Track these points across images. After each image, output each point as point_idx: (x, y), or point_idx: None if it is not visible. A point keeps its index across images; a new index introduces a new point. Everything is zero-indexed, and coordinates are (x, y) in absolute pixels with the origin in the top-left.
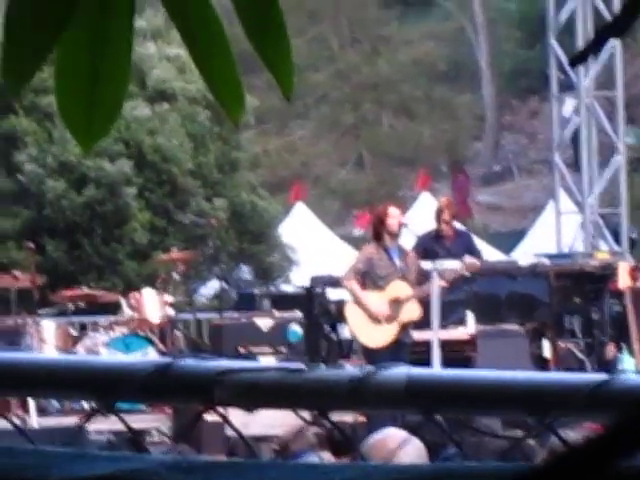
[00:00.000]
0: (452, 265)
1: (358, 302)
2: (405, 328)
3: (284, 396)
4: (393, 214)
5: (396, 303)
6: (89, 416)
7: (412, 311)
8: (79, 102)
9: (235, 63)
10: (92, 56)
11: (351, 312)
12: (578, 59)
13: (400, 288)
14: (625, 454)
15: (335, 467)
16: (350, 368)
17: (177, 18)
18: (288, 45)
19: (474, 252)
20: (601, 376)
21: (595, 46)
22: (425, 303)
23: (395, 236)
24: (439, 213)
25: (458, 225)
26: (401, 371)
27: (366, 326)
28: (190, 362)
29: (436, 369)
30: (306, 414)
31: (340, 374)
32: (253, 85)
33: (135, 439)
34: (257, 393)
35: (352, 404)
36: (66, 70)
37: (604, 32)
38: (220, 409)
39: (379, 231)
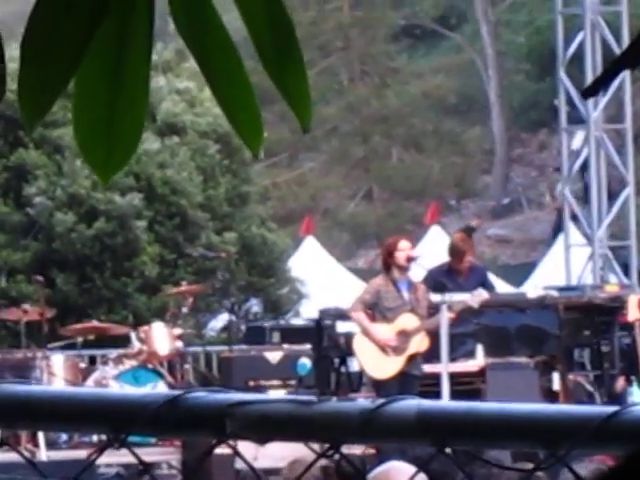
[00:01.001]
0: (461, 298)
1: (366, 333)
2: (413, 360)
3: (295, 428)
4: (402, 247)
5: (404, 335)
6: (102, 449)
7: (420, 343)
8: (97, 134)
9: (254, 93)
10: (110, 87)
11: (359, 343)
12: (590, 91)
13: (408, 320)
14: None
15: None
16: (361, 400)
17: (195, 49)
18: (306, 77)
19: (488, 287)
20: (611, 408)
21: (607, 78)
22: (435, 336)
23: (404, 269)
24: (455, 250)
25: (473, 259)
26: (411, 403)
27: (374, 357)
28: (201, 394)
29: (446, 401)
30: (317, 446)
31: (351, 406)
32: (263, 118)
33: (146, 472)
34: (268, 425)
35: (363, 436)
36: (84, 102)
37: (616, 64)
38: (231, 442)
39: (388, 263)
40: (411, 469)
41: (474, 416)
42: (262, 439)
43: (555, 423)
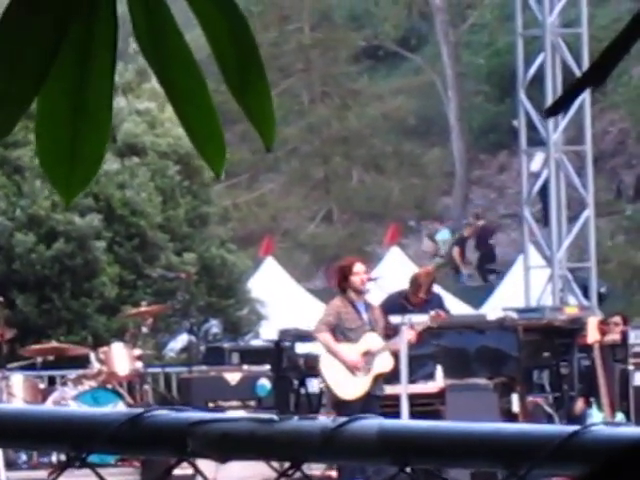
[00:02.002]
0: (420, 319)
1: (333, 354)
2: (377, 380)
3: (257, 447)
4: (357, 271)
5: (369, 355)
6: (63, 467)
7: (385, 363)
8: (60, 153)
9: (217, 114)
10: (73, 107)
11: (326, 363)
12: (552, 111)
13: (373, 340)
14: None
15: None
16: (322, 419)
17: (158, 69)
18: (269, 96)
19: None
20: (571, 428)
21: (569, 97)
22: (395, 357)
23: (360, 292)
24: (416, 284)
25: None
26: (373, 422)
27: (342, 378)
28: (162, 413)
29: (408, 420)
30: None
31: (312, 425)
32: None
33: None
34: (229, 444)
35: (325, 455)
36: (47, 121)
37: (578, 83)
38: (192, 460)
39: (343, 286)
40: None
41: (435, 435)
42: (223, 458)
43: (516, 442)
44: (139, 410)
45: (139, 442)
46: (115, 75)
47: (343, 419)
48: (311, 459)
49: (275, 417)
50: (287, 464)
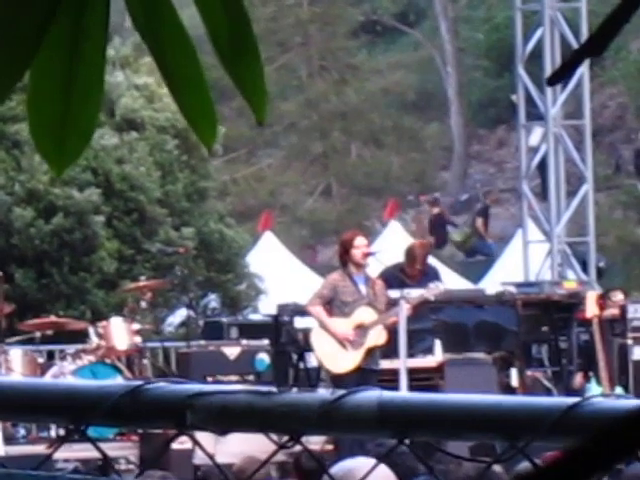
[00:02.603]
0: (418, 292)
1: (324, 327)
2: (371, 354)
3: (255, 419)
4: (358, 244)
5: (362, 329)
6: (63, 439)
7: (378, 337)
8: (52, 125)
9: (208, 88)
10: (65, 79)
11: (317, 337)
12: (554, 79)
13: (366, 314)
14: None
15: None
16: (321, 392)
17: (151, 43)
18: (262, 71)
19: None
20: (571, 399)
21: (571, 66)
22: (393, 332)
23: (360, 265)
24: (411, 255)
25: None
26: (372, 395)
27: (332, 351)
28: (161, 385)
29: (407, 393)
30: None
31: (311, 397)
32: (221, 114)
33: (105, 466)
34: (228, 416)
35: (323, 428)
36: (39, 93)
37: (580, 52)
38: (191, 433)
39: (345, 259)
40: (381, 466)
41: (435, 408)
42: (222, 430)
43: (516, 415)
44: (138, 382)
45: (139, 414)
46: (111, 49)
47: (342, 392)
48: (310, 432)
49: (274, 390)
50: (286, 437)
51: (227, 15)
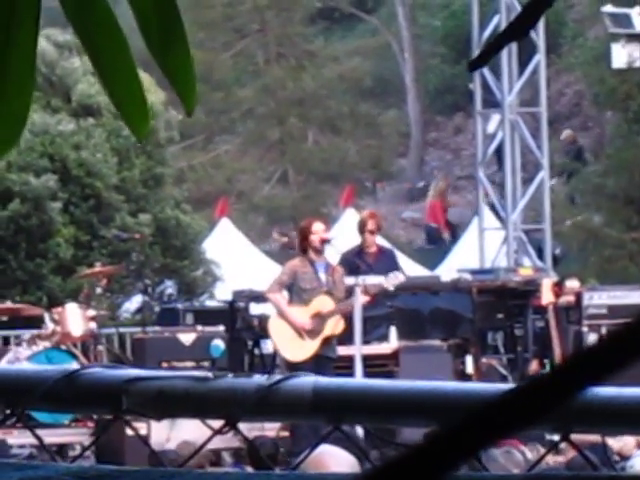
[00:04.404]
0: (375, 280)
1: (282, 315)
2: (328, 342)
3: (192, 405)
4: (316, 230)
5: (320, 317)
6: (1, 422)
7: (335, 326)
8: None
9: (140, 80)
10: None
11: (274, 325)
12: (476, 63)
13: (324, 302)
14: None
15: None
16: (257, 377)
17: (82, 34)
18: (190, 60)
19: (397, 270)
20: (510, 385)
21: (493, 50)
22: (349, 318)
23: (319, 251)
24: (362, 225)
25: (383, 242)
26: (308, 380)
27: (289, 340)
28: (97, 370)
29: (342, 379)
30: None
31: (247, 383)
32: (178, 100)
33: (47, 450)
34: (165, 401)
35: (259, 413)
36: None
37: (502, 36)
38: (126, 417)
39: (304, 246)
40: (344, 453)
41: (370, 393)
42: (159, 415)
43: (451, 400)
44: (75, 367)
45: (74, 399)
46: (67, 35)
47: (278, 377)
48: (246, 417)
49: (210, 375)
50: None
51: (156, 5)
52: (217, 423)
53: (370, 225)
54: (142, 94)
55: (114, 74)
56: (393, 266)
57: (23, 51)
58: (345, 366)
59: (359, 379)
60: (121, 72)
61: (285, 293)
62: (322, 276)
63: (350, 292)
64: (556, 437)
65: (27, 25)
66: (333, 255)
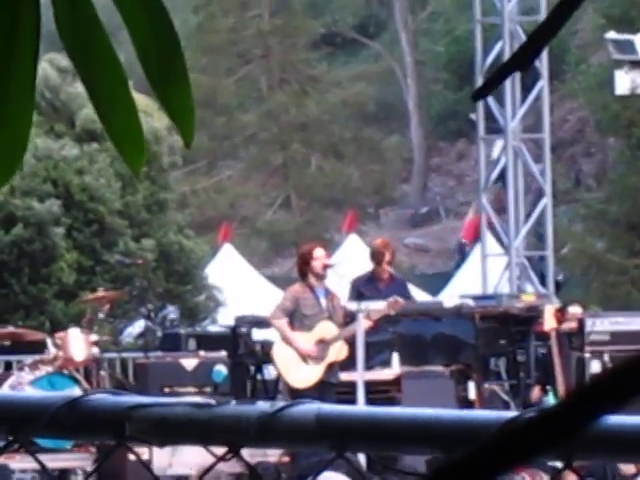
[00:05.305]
0: (377, 306)
1: (286, 341)
2: (332, 368)
3: (194, 431)
4: (317, 255)
5: (323, 343)
6: (2, 450)
7: (339, 351)
8: None
9: (137, 113)
10: None
11: (279, 351)
12: (480, 93)
13: (327, 328)
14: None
15: None
16: (261, 404)
17: (80, 66)
18: (190, 93)
19: (408, 299)
20: (510, 414)
21: (497, 80)
22: (351, 344)
23: (320, 277)
24: (377, 254)
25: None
26: (311, 407)
27: (294, 366)
28: (101, 397)
29: (346, 406)
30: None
31: (250, 410)
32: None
33: (50, 475)
34: (168, 428)
35: (262, 440)
36: None
37: (506, 66)
38: (130, 444)
39: (304, 271)
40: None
41: (373, 420)
42: (161, 442)
43: (454, 428)
44: (78, 394)
45: (77, 426)
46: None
47: (282, 404)
48: (249, 444)
49: (213, 402)
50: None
51: (156, 37)
52: (220, 449)
53: (386, 256)
54: (139, 126)
55: (111, 106)
56: (405, 295)
57: (23, 77)
58: (347, 392)
59: (362, 406)
60: (118, 104)
61: (287, 319)
62: (323, 302)
63: (352, 318)
64: (559, 464)
65: (27, 51)
66: (336, 281)
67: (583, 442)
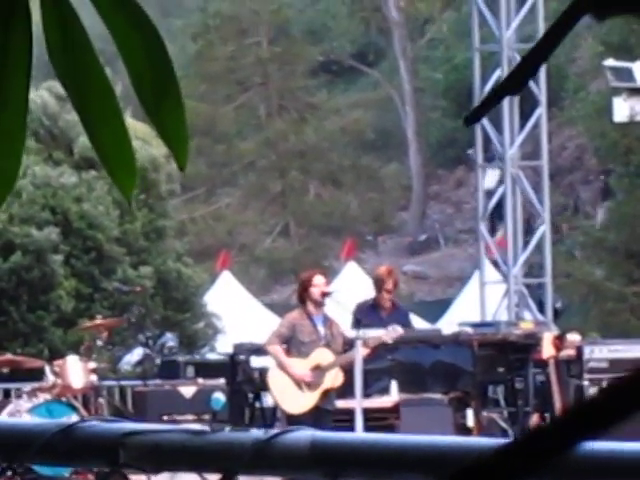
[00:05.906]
0: (376, 333)
1: (281, 367)
2: (327, 395)
3: (189, 458)
4: (317, 283)
5: (319, 370)
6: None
7: (335, 378)
8: None
9: (130, 139)
10: None
11: (274, 377)
12: (472, 118)
13: (323, 355)
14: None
15: None
16: (255, 431)
17: (72, 90)
18: (184, 117)
19: (409, 328)
20: (500, 440)
21: (489, 105)
22: (349, 371)
23: (318, 304)
24: (380, 282)
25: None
26: (305, 434)
27: (288, 392)
28: (95, 423)
29: (340, 433)
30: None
31: (244, 437)
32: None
33: None
34: (162, 455)
35: (256, 467)
36: None
37: (499, 91)
38: (124, 471)
39: (303, 298)
40: None
41: (367, 447)
42: (156, 469)
43: (448, 455)
44: (72, 421)
45: (72, 453)
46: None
47: (275, 431)
48: (243, 471)
49: (207, 429)
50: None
51: (150, 63)
52: (215, 476)
53: (388, 284)
54: (132, 155)
55: (104, 134)
56: (406, 324)
57: (14, 107)
58: (345, 419)
59: (356, 433)
60: (112, 132)
61: (283, 345)
62: (320, 329)
63: (350, 345)
64: None
65: (18, 80)
66: (334, 308)
67: (574, 468)
